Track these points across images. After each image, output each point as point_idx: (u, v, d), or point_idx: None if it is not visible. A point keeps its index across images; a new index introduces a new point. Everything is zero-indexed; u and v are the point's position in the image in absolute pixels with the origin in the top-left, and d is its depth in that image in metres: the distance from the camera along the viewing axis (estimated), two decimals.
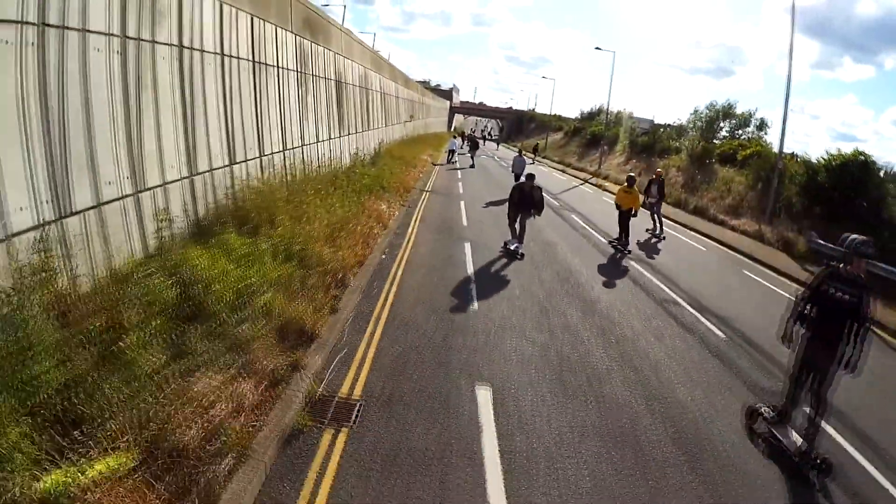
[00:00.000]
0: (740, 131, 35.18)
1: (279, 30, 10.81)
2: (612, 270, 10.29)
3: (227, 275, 4.98)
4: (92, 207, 4.85)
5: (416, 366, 5.26)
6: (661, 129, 37.15)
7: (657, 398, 5.21)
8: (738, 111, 34.32)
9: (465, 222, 13.02)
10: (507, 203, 10.57)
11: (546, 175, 29.55)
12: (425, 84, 68.85)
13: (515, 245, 10.16)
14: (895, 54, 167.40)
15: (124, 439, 2.99)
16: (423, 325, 6.24)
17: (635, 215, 12.10)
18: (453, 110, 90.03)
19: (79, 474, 2.66)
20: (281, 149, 10.96)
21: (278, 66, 10.90)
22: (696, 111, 37.67)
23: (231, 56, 8.38)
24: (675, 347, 6.63)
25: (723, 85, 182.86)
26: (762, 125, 33.79)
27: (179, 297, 4.44)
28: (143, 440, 3.06)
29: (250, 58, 9.34)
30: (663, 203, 15.36)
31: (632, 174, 14.36)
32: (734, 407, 5.22)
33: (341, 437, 3.92)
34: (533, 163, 35.13)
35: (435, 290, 7.59)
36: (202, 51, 7.31)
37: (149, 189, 5.88)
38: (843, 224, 12.83)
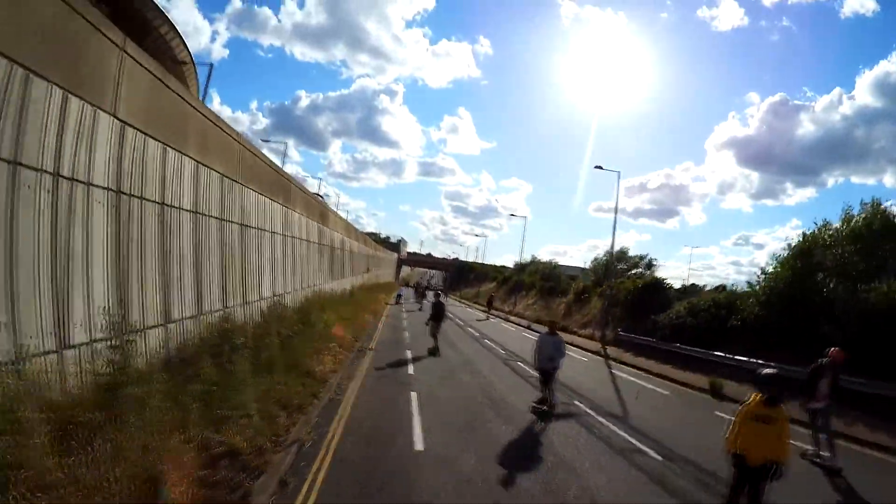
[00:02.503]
0: (634, 270, 48.19)
1: (311, 221, 22.00)
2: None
3: (332, 314, 15.33)
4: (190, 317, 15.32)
5: (392, 335, 15.71)
6: (578, 275, 49.98)
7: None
8: (631, 255, 48.13)
9: (405, 324, 23.63)
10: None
11: (468, 312, 40.91)
12: (375, 237, 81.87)
13: None
14: (836, 171, 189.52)
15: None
16: (393, 336, 16.68)
17: (778, 476, 5.13)
18: (401, 262, 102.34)
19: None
20: (316, 283, 21.61)
21: (312, 241, 21.91)
22: (596, 258, 51.48)
23: (296, 237, 19.18)
24: (497, 367, 17.08)
25: (668, 225, 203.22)
26: (649, 265, 47.43)
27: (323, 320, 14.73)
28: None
29: (308, 238, 20.33)
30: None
31: (771, 371, 5.52)
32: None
33: (371, 353, 14.18)
34: (487, 318, 36.54)
35: (392, 347, 17.93)
36: (279, 233, 18.29)
37: (252, 301, 16.37)
38: (641, 322, 22.81)
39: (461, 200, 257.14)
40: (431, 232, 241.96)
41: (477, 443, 7.22)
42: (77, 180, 6.47)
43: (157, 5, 25.26)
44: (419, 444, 6.80)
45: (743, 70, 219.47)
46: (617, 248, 50.73)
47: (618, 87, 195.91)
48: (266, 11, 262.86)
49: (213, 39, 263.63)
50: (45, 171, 5.94)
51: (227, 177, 11.52)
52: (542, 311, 38.29)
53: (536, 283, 48.44)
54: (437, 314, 16.63)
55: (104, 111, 6.96)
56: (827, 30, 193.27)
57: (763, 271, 17.70)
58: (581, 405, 10.64)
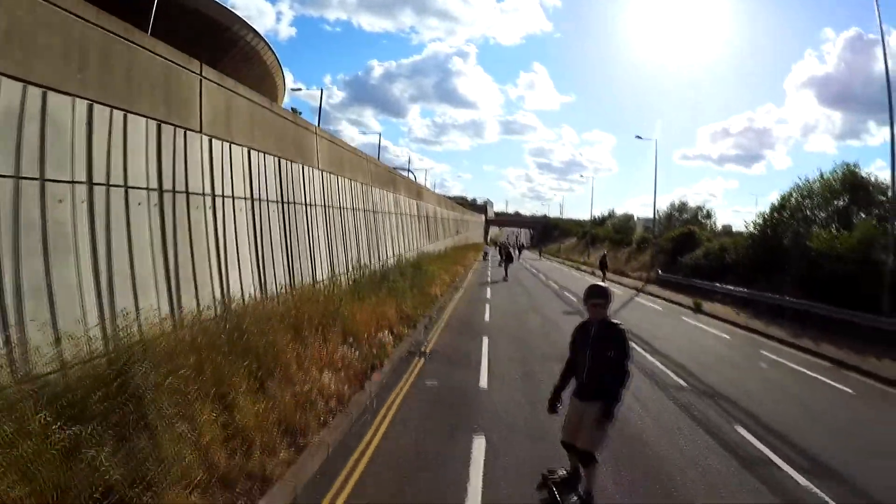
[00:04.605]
0: (703, 220, 52.11)
1: (410, 200, 29.03)
2: None
3: (434, 266, 22.37)
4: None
5: (477, 279, 22.52)
6: (645, 229, 54.66)
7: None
8: (691, 205, 51.98)
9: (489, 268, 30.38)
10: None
11: (557, 270, 46.82)
12: (462, 200, 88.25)
13: None
14: None
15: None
16: (477, 279, 23.50)
17: None
18: (488, 223, 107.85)
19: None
20: (418, 246, 28.88)
21: (413, 215, 29.00)
22: (658, 211, 55.72)
23: (404, 213, 26.34)
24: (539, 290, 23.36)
25: (754, 171, 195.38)
26: (708, 215, 51.13)
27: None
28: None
29: (410, 213, 27.41)
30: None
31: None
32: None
33: (462, 289, 21.06)
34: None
35: (476, 287, 24.67)
36: (393, 213, 25.47)
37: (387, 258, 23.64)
38: (675, 265, 29.00)
39: (545, 157, 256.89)
40: (518, 190, 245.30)
41: (517, 319, 13.94)
42: (307, 203, 13.61)
43: (241, 18, 34.68)
44: (487, 319, 13.72)
45: (816, 4, 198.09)
46: (696, 197, 53.24)
47: (691, 29, 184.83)
48: None
49: (278, 20, 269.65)
50: (299, 204, 13.08)
51: (363, 183, 18.57)
52: (610, 261, 43.93)
53: (609, 235, 53.85)
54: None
55: (314, 168, 14.05)
56: None
57: (752, 223, 22.66)
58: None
